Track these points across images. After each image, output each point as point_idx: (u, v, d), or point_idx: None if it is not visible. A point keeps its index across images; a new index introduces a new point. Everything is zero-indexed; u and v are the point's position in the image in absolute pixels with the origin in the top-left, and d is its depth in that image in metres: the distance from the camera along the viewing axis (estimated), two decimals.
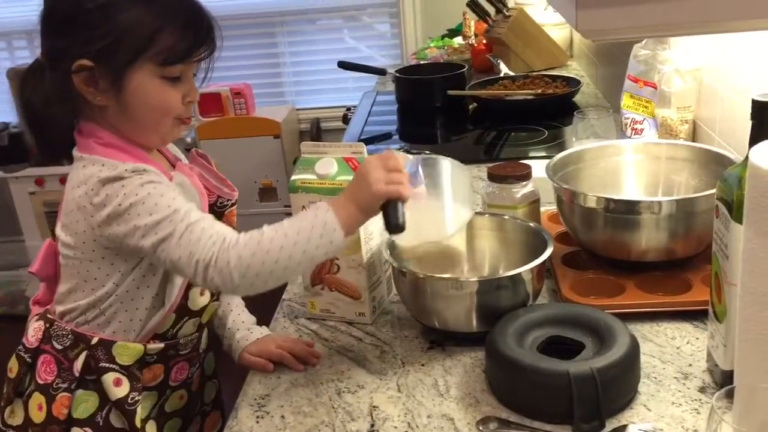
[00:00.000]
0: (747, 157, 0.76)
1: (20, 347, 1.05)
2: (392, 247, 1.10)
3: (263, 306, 1.19)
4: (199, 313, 1.06)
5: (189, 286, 1.02)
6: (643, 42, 1.52)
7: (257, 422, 0.93)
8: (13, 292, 3.39)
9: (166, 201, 0.92)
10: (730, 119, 1.28)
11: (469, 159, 1.77)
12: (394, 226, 0.92)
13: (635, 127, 1.52)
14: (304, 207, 1.08)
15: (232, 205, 1.10)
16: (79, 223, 0.96)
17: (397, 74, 2.34)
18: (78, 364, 1.00)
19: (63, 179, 3.44)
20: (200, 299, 1.05)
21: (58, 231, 1.01)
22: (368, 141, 2.05)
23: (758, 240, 0.70)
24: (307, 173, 1.09)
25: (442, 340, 1.05)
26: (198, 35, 0.97)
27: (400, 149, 1.70)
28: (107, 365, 1.00)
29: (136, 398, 1.00)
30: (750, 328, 0.74)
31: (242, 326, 1.13)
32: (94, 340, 1.00)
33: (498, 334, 0.93)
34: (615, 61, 1.99)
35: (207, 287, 1.00)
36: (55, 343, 1.02)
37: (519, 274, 1.01)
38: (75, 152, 0.99)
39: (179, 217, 0.91)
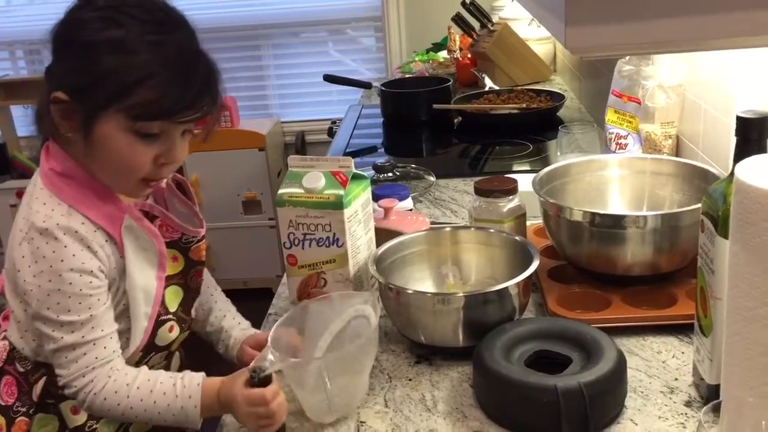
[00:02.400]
0: (732, 173, 0.77)
1: None
2: (379, 261, 1.10)
3: (249, 320, 1.18)
4: (168, 346, 1.06)
5: (156, 326, 1.01)
6: (627, 57, 1.54)
7: None
8: None
9: (69, 304, 0.91)
10: (713, 134, 1.29)
11: (454, 172, 1.78)
12: None
13: (619, 141, 1.53)
14: (291, 221, 1.08)
15: (198, 241, 1.07)
16: (11, 250, 0.95)
17: (383, 88, 2.34)
18: (37, 390, 0.98)
19: None
20: (169, 335, 1.04)
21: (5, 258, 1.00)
22: (354, 154, 2.06)
23: (744, 255, 0.70)
24: (294, 187, 1.09)
25: (429, 355, 1.05)
26: (184, 95, 0.90)
27: (385, 163, 1.70)
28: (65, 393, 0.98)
29: (94, 426, 1.00)
30: (736, 342, 0.74)
31: (238, 326, 1.13)
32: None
33: (485, 348, 0.93)
34: (598, 76, 2.01)
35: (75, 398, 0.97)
36: (18, 365, 1.00)
37: (506, 288, 1.01)
38: (38, 170, 0.97)
39: (68, 330, 0.92)
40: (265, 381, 0.88)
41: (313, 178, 1.08)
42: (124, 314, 0.99)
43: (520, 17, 2.71)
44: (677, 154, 1.47)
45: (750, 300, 0.71)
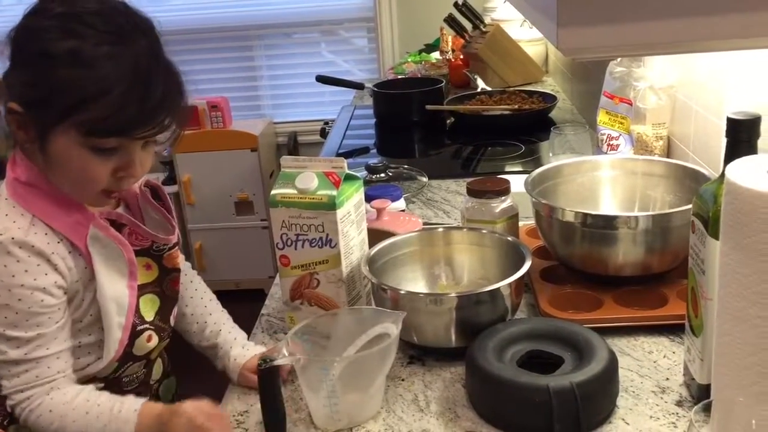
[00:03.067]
0: (722, 174, 0.77)
1: None
2: (372, 262, 1.10)
3: (241, 321, 1.18)
4: (147, 355, 1.04)
5: (133, 336, 1.00)
6: (618, 59, 1.54)
7: None
8: None
9: (16, 320, 0.90)
10: (704, 135, 1.30)
11: (446, 173, 1.79)
12: None
13: (611, 142, 1.53)
14: (284, 222, 1.08)
15: (170, 249, 1.05)
16: None
17: (375, 89, 2.35)
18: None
19: None
20: (147, 345, 1.02)
21: None
22: (347, 155, 2.06)
23: (734, 255, 0.71)
24: (287, 187, 1.09)
25: (421, 355, 1.05)
26: (141, 111, 0.87)
27: (378, 163, 1.71)
28: None
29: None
30: (727, 342, 0.75)
31: (235, 344, 1.10)
32: None
33: (478, 349, 0.94)
34: (590, 77, 2.02)
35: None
36: None
37: (498, 288, 1.01)
38: (3, 182, 0.95)
39: (14, 346, 0.91)
40: (272, 371, 0.88)
41: (306, 179, 1.08)
42: (95, 325, 0.98)
43: (512, 18, 2.72)
44: (668, 155, 1.47)
45: (740, 300, 0.71)
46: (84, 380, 0.99)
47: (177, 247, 1.07)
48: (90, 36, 0.86)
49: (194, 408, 0.90)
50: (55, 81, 0.86)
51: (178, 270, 1.08)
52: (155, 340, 1.03)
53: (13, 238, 0.89)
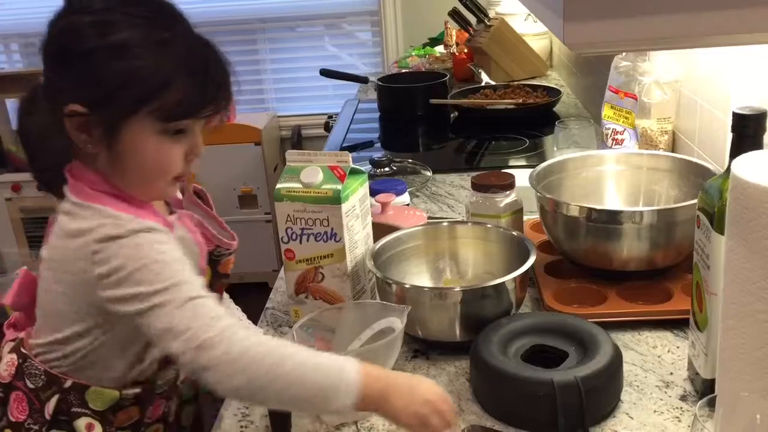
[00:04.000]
0: (728, 168, 0.77)
1: None
2: (376, 256, 1.10)
3: (246, 315, 1.18)
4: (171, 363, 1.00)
5: None
6: (623, 54, 1.54)
7: (241, 431, 0.93)
8: None
9: (170, 271, 0.84)
10: (709, 130, 1.30)
11: (450, 167, 1.79)
12: None
13: (616, 137, 1.53)
14: (289, 216, 1.08)
15: (230, 254, 1.04)
16: (70, 274, 0.88)
17: (380, 82, 2.34)
18: (50, 407, 0.93)
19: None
20: None
21: (45, 264, 0.92)
22: (351, 149, 2.05)
23: (740, 251, 0.71)
24: (292, 182, 1.09)
25: (426, 349, 1.06)
26: (208, 91, 0.88)
27: (381, 158, 1.71)
28: (79, 410, 0.94)
29: None
30: (731, 337, 0.75)
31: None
32: (67, 384, 0.94)
33: (482, 343, 0.94)
34: (594, 72, 2.02)
35: (185, 368, 0.86)
36: (27, 381, 0.95)
37: (503, 283, 1.01)
38: (67, 193, 0.89)
39: (183, 288, 0.83)
40: None
41: (311, 173, 1.09)
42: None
43: (517, 12, 2.71)
44: (673, 150, 1.47)
45: (746, 295, 0.71)
46: (124, 385, 0.96)
47: (234, 254, 1.05)
48: (141, 25, 0.85)
49: (431, 390, 0.82)
50: (124, 72, 0.84)
51: (228, 276, 1.05)
52: None
53: (132, 228, 0.85)
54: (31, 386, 0.95)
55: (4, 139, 3.51)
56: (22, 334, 0.99)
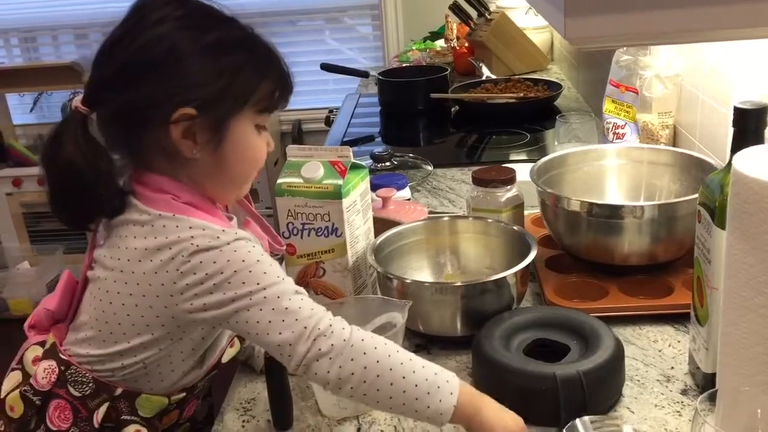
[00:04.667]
0: (729, 163, 0.77)
1: (26, 388, 0.93)
2: (377, 251, 1.10)
3: None
4: (224, 366, 1.01)
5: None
6: (625, 48, 1.54)
7: (243, 426, 0.93)
8: None
9: (275, 270, 0.84)
10: (710, 125, 1.30)
11: (451, 162, 1.79)
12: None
13: (617, 131, 1.53)
14: (289, 211, 1.09)
15: (279, 258, 1.03)
16: (145, 287, 0.85)
17: (380, 77, 2.34)
18: (99, 415, 0.91)
19: (41, 180, 3.37)
20: (230, 351, 1.00)
21: (110, 275, 0.89)
22: (351, 143, 2.06)
23: (741, 245, 0.71)
24: (293, 176, 1.09)
25: (427, 344, 1.06)
26: (289, 83, 0.93)
27: (383, 152, 1.71)
28: (129, 417, 0.93)
29: None
30: (733, 332, 0.75)
31: None
32: (118, 392, 0.92)
33: (484, 337, 0.94)
34: (596, 65, 2.01)
35: (295, 358, 0.82)
36: (71, 389, 0.92)
37: (504, 277, 1.01)
38: (140, 204, 0.87)
39: (288, 284, 0.84)
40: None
41: (312, 168, 1.09)
42: (214, 332, 0.94)
43: (518, 6, 2.71)
44: (674, 144, 1.47)
45: (747, 290, 0.72)
46: (173, 391, 0.95)
47: (283, 256, 1.05)
48: (222, 24, 0.89)
49: (517, 417, 0.82)
50: (228, 69, 0.86)
51: None
52: (237, 346, 1.01)
53: (226, 240, 0.84)
54: (76, 394, 0.92)
55: (5, 133, 3.50)
56: (45, 337, 0.97)
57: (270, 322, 0.81)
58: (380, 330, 0.96)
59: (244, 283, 0.82)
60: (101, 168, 0.87)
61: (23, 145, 3.59)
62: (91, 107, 0.87)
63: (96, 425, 0.92)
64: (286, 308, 0.82)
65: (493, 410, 0.82)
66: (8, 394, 0.95)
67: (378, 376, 0.80)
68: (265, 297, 0.82)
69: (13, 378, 0.97)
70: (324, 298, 1.11)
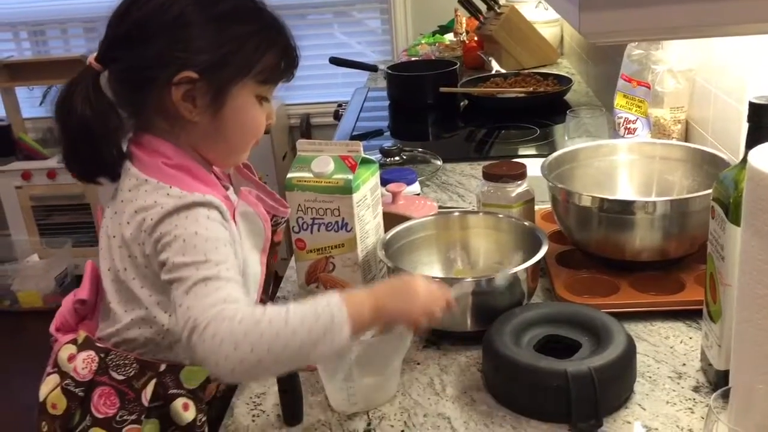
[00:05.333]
0: (744, 159, 0.76)
1: (67, 382, 0.94)
2: (387, 246, 1.10)
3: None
4: None
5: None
6: (637, 42, 1.53)
7: (253, 421, 0.93)
8: None
9: (206, 248, 0.84)
10: (723, 120, 1.29)
11: (460, 156, 1.78)
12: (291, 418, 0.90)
13: (628, 126, 1.52)
14: (300, 206, 1.08)
15: (284, 222, 1.04)
16: (134, 249, 0.90)
17: (389, 71, 2.33)
18: (147, 393, 0.92)
19: (51, 173, 3.42)
20: None
21: (114, 244, 0.92)
22: (360, 137, 2.05)
23: (756, 242, 0.70)
24: (303, 171, 1.09)
25: (436, 339, 1.06)
26: (294, 56, 0.96)
27: (392, 147, 1.70)
28: (176, 391, 0.94)
29: (203, 419, 0.96)
30: (746, 329, 0.74)
31: None
32: (162, 367, 0.93)
33: (495, 333, 0.94)
34: (606, 60, 2.00)
35: (188, 352, 0.84)
36: (114, 374, 0.93)
37: (514, 273, 1.01)
38: (133, 169, 0.91)
39: (204, 268, 0.83)
40: None
41: (322, 163, 1.08)
42: None
43: (527, 0, 2.70)
44: (686, 139, 1.46)
45: (761, 287, 0.71)
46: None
47: (286, 222, 1.06)
48: None
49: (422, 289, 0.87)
50: (235, 38, 0.89)
51: (280, 243, 1.06)
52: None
53: (195, 201, 0.87)
54: (120, 377, 0.93)
55: (15, 127, 3.52)
56: (74, 336, 0.98)
57: (177, 304, 0.82)
58: None
59: (180, 253, 0.84)
60: (109, 123, 0.90)
61: (32, 138, 3.61)
62: (104, 64, 0.91)
63: (146, 404, 0.93)
64: (191, 295, 0.81)
65: (388, 299, 0.85)
66: (48, 395, 0.96)
67: (269, 350, 0.78)
68: (180, 278, 0.83)
69: (51, 381, 0.97)
70: None
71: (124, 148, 0.94)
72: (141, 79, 0.89)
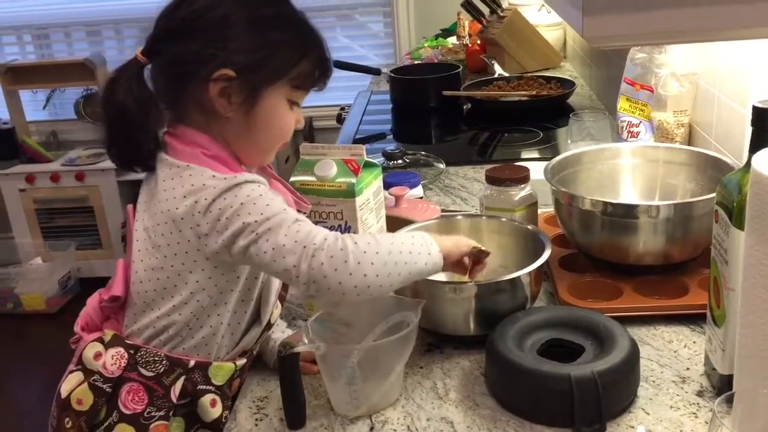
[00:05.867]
0: (748, 163, 0.76)
1: (95, 377, 0.96)
2: None
3: None
4: (272, 326, 1.04)
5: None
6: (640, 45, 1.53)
7: (256, 425, 0.93)
8: (2, 290, 3.37)
9: (278, 204, 0.91)
10: (726, 123, 1.28)
11: (463, 160, 1.78)
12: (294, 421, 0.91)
13: (631, 130, 1.52)
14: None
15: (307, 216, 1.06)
16: (178, 234, 0.92)
17: (392, 74, 2.34)
18: (176, 390, 0.95)
19: (54, 176, 3.43)
20: (275, 312, 1.02)
21: (145, 235, 0.95)
22: (363, 140, 2.05)
23: (760, 247, 0.70)
24: (306, 175, 1.09)
25: (439, 343, 1.05)
26: (328, 67, 1.00)
27: (396, 151, 1.70)
28: (204, 387, 0.96)
29: (227, 416, 0.97)
30: (750, 334, 0.74)
31: (277, 329, 1.09)
32: (191, 364, 0.96)
33: (498, 337, 0.94)
34: (609, 63, 2.00)
35: (304, 278, 0.88)
36: (143, 370, 0.96)
37: (518, 277, 1.01)
38: (170, 159, 0.94)
39: (289, 214, 0.90)
40: (292, 358, 0.88)
41: (325, 166, 1.08)
42: (256, 282, 0.98)
43: (530, 3, 2.70)
44: (690, 143, 1.46)
45: (765, 292, 0.71)
46: (235, 355, 1.00)
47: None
48: (277, 2, 0.97)
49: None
50: (274, 42, 0.94)
51: None
52: (279, 307, 1.04)
53: (245, 179, 0.91)
54: (149, 374, 0.96)
55: (19, 130, 3.52)
56: (99, 334, 0.99)
57: (274, 249, 0.88)
58: (394, 329, 0.96)
59: (249, 213, 0.89)
60: (149, 113, 0.95)
61: (36, 141, 3.61)
62: (149, 57, 0.95)
63: (174, 400, 0.95)
64: (286, 235, 0.88)
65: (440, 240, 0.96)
66: (71, 392, 0.97)
67: (385, 263, 0.89)
68: (269, 228, 0.88)
69: (74, 378, 0.99)
70: None
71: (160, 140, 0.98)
72: (182, 72, 0.94)
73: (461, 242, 0.98)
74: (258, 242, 0.88)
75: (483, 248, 1.00)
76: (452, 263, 0.97)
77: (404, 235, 0.97)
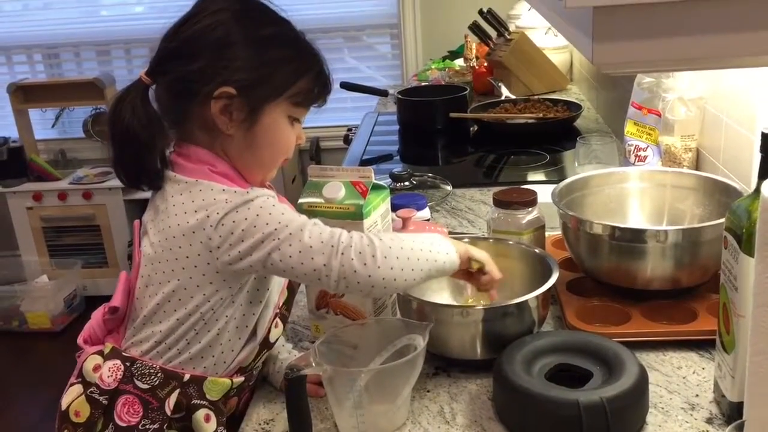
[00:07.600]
0: (757, 189, 0.76)
1: (92, 389, 0.97)
2: None
3: None
4: (272, 345, 1.04)
5: (272, 317, 1.01)
6: None
7: None
8: (7, 308, 3.37)
9: (291, 211, 0.94)
10: (734, 148, 1.28)
11: (470, 182, 1.78)
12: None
13: (639, 154, 1.52)
14: None
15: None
16: (187, 248, 0.93)
17: (399, 95, 2.35)
18: (171, 402, 0.95)
19: (62, 194, 3.44)
20: (275, 331, 1.02)
21: (153, 250, 0.96)
22: (370, 162, 2.06)
23: None
24: (314, 197, 1.09)
25: (446, 367, 1.05)
26: (327, 83, 1.03)
27: (402, 173, 1.71)
28: (198, 402, 0.96)
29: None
30: (761, 361, 0.74)
31: (283, 349, 1.10)
32: (186, 377, 0.96)
33: (506, 361, 0.93)
34: (616, 86, 2.01)
35: (335, 276, 0.91)
36: (138, 383, 0.96)
37: (525, 301, 1.00)
38: (178, 176, 0.96)
39: (305, 218, 0.94)
40: (299, 381, 0.88)
41: (333, 188, 1.09)
42: (259, 305, 1.00)
43: (537, 26, 2.71)
44: (697, 168, 1.46)
45: None
46: (232, 372, 0.99)
47: None
48: (277, 22, 0.99)
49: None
50: (273, 60, 0.96)
51: None
52: (281, 327, 1.04)
53: (257, 195, 0.94)
54: (144, 386, 0.96)
55: (27, 148, 3.54)
56: (100, 347, 1.00)
57: (300, 252, 0.91)
58: (401, 352, 0.95)
59: (267, 224, 0.91)
60: (154, 133, 0.96)
61: (44, 160, 3.63)
62: (153, 77, 0.97)
63: (168, 413, 0.95)
64: (310, 237, 0.91)
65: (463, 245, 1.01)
66: (70, 404, 0.98)
67: (409, 258, 0.93)
68: (290, 233, 0.91)
69: (74, 391, 0.99)
70: (344, 318, 1.10)
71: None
72: (185, 91, 0.95)
73: (470, 250, 1.01)
74: (281, 248, 0.90)
75: (483, 267, 1.02)
76: (461, 270, 1.00)
77: (422, 234, 1.01)
